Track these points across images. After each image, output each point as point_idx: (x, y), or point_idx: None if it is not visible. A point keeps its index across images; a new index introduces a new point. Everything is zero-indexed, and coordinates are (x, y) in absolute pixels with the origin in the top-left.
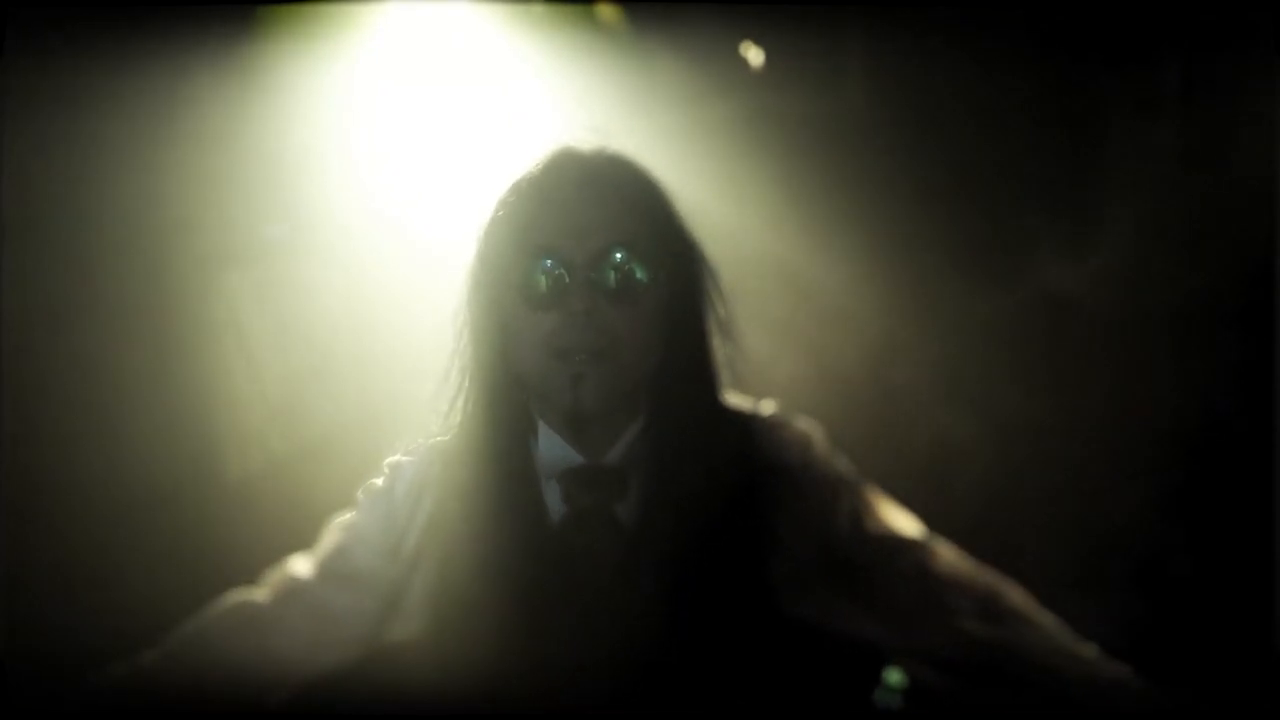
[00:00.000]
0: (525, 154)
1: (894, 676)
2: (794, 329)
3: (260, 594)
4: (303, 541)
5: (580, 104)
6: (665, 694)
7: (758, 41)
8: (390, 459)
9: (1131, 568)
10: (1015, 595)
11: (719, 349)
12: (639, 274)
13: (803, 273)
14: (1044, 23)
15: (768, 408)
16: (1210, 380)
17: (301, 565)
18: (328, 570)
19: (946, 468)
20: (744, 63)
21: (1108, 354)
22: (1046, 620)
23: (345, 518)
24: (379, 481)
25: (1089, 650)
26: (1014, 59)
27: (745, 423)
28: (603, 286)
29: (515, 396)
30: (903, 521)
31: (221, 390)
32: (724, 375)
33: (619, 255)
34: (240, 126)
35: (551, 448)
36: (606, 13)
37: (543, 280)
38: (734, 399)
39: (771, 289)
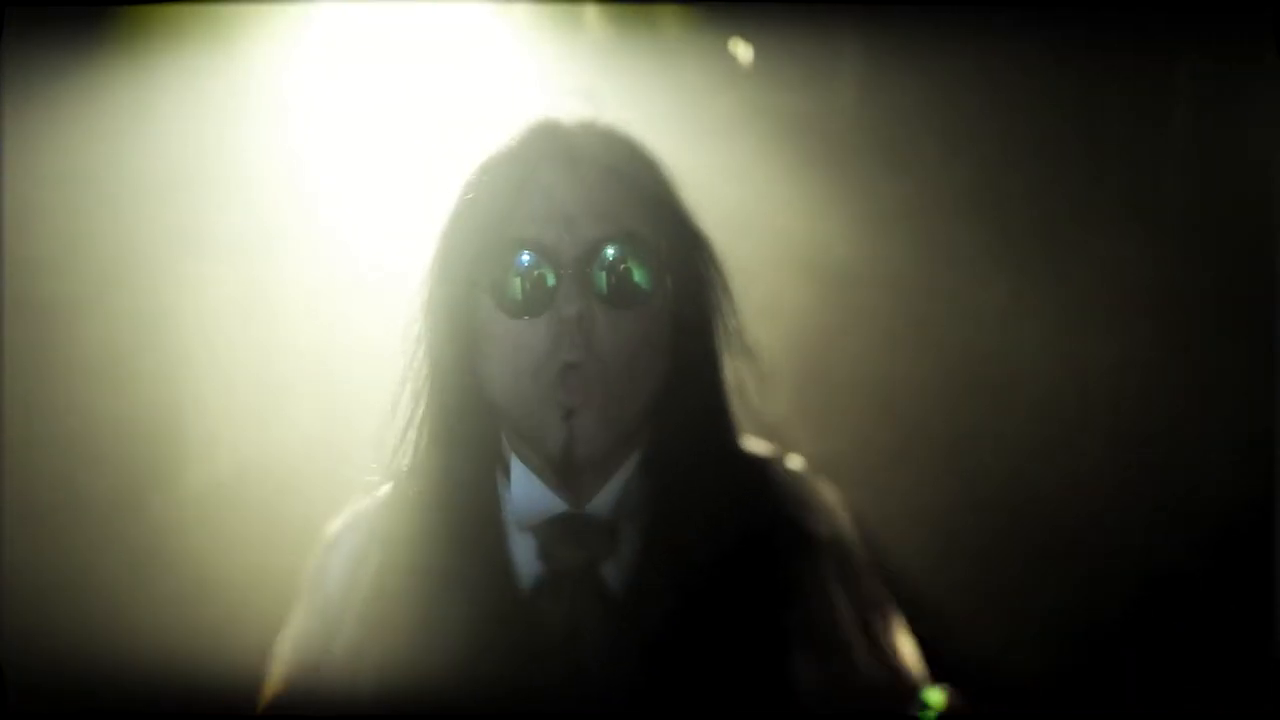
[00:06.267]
0: (499, 134)
1: (933, 697)
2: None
3: None
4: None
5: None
6: None
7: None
8: (328, 531)
9: (1131, 569)
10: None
11: (729, 368)
12: (638, 275)
13: (795, 273)
14: (1045, 22)
15: (792, 461)
16: (1210, 380)
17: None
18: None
19: (948, 469)
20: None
21: (1110, 355)
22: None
23: (288, 628)
24: (314, 562)
25: None
26: (1014, 57)
27: (762, 472)
28: (594, 289)
29: (483, 426)
30: (886, 600)
31: (188, 391)
32: (735, 398)
33: (613, 252)
34: (204, 119)
35: (527, 491)
36: (592, 14)
37: (521, 281)
38: (751, 443)
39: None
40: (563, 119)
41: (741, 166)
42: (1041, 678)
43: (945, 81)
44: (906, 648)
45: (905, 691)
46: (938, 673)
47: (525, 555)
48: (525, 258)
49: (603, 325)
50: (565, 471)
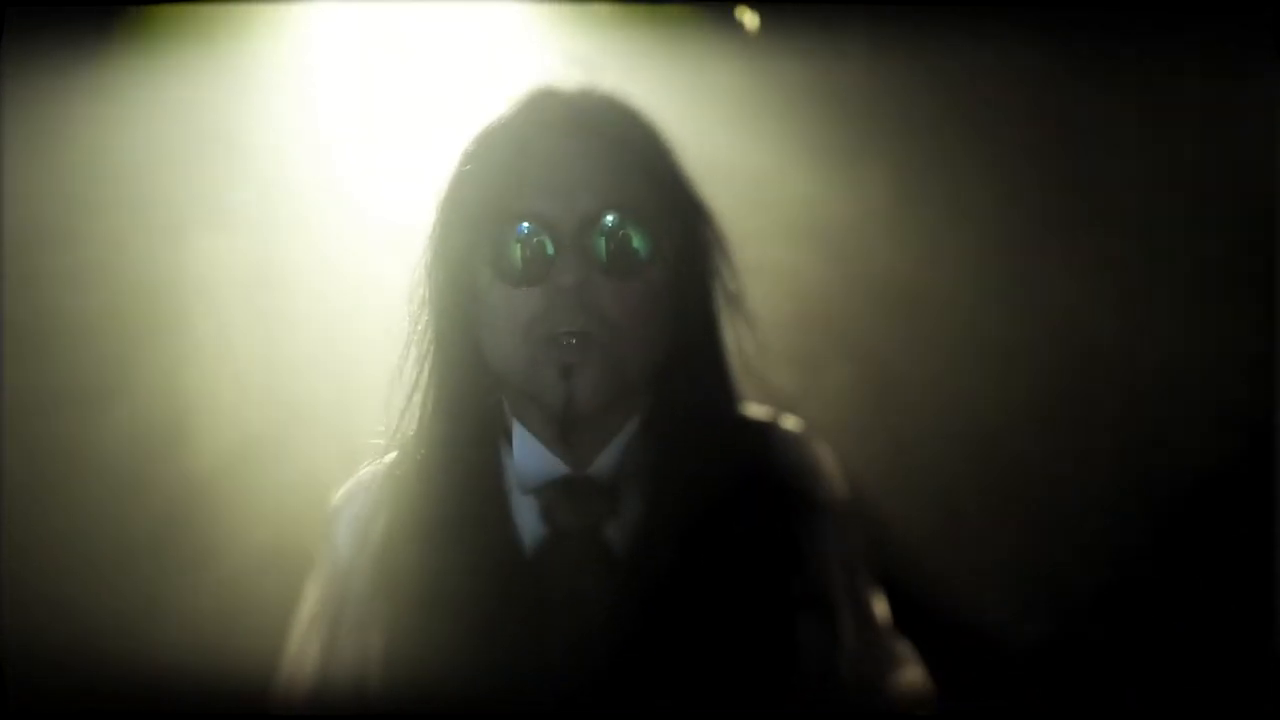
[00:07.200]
0: (498, 104)
1: None
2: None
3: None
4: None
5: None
6: None
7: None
8: (334, 499)
9: (1131, 566)
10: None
11: (729, 334)
12: (637, 243)
13: (796, 248)
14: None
15: (790, 424)
16: (1210, 377)
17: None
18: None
19: (944, 458)
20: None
21: (1110, 343)
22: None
23: (305, 601)
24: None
25: None
26: (1016, 43)
27: (761, 434)
28: (594, 258)
29: (485, 392)
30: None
31: (193, 367)
32: (734, 362)
33: (612, 220)
34: (205, 95)
35: (529, 455)
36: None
37: (520, 251)
38: (750, 408)
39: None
40: (561, 87)
41: (746, 136)
42: (1039, 676)
43: (952, 58)
44: (885, 617)
45: (885, 658)
46: (930, 654)
47: (528, 518)
48: (524, 228)
49: (603, 294)
50: (566, 427)
